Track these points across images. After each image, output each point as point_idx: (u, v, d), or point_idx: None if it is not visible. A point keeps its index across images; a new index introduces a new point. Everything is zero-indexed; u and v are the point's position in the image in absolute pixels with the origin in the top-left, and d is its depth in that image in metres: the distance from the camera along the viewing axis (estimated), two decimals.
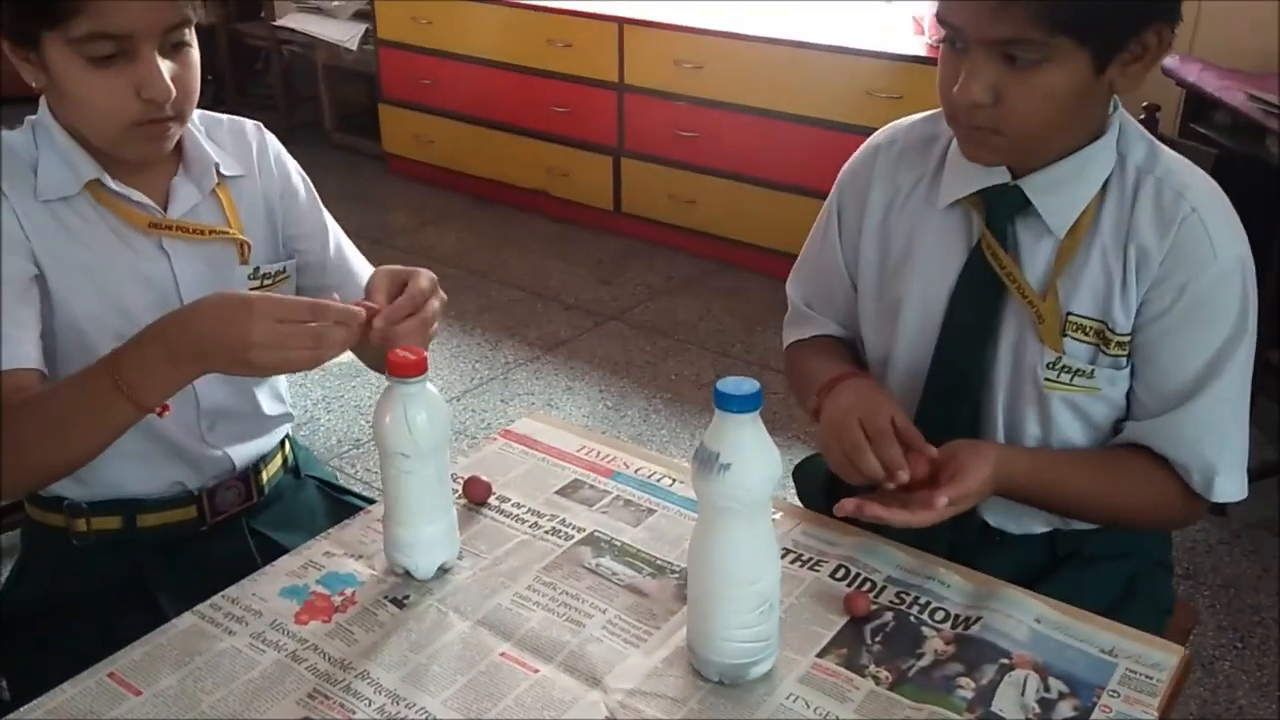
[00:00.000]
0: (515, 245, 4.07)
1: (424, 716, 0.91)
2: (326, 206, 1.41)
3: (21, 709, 0.92)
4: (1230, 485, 1.15)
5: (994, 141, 1.10)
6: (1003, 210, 1.17)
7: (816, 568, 1.10)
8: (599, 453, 1.29)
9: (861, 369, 1.29)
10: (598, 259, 3.96)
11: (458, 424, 2.87)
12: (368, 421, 2.86)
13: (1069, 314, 1.14)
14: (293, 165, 1.37)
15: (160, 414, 1.06)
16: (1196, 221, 1.10)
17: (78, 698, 0.93)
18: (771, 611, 0.95)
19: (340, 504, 1.40)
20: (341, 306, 1.02)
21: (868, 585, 1.08)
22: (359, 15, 4.61)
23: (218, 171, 1.26)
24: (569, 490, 1.23)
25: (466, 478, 1.21)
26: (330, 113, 4.93)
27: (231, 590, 1.06)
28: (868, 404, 1.12)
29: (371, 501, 1.31)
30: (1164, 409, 1.14)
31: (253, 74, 5.38)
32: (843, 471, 1.11)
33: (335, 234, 1.40)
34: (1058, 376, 1.15)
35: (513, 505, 1.20)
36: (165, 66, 1.11)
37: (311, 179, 1.39)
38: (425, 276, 1.09)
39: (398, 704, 0.93)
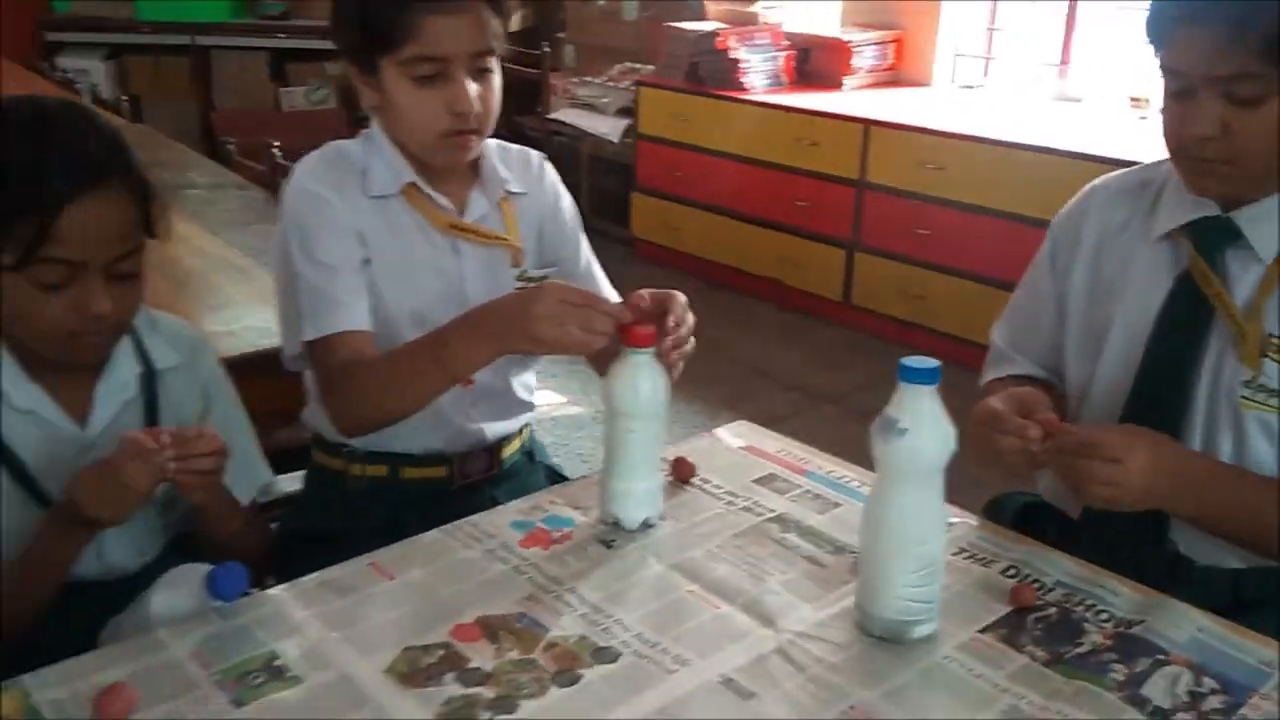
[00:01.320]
0: (744, 327, 4.25)
1: (619, 625, 1.06)
2: None
3: (300, 579, 1.13)
4: None
5: (1221, 171, 1.20)
6: (1212, 240, 1.25)
7: (988, 565, 1.18)
8: (795, 454, 1.43)
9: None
10: (823, 346, 4.08)
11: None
12: (590, 466, 3.07)
13: (1271, 335, 1.20)
14: (564, 194, 1.61)
15: (466, 386, 1.32)
16: None
17: (344, 577, 1.14)
18: (935, 576, 1.04)
19: None
20: (611, 304, 1.22)
21: (1036, 584, 1.15)
22: (623, 111, 5.01)
23: (505, 189, 1.50)
24: (765, 480, 1.36)
25: (675, 458, 1.36)
26: (588, 199, 5.34)
27: (471, 518, 1.25)
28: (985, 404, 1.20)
29: None
30: None
31: None
32: (1002, 465, 1.19)
33: (587, 257, 1.62)
34: (1254, 395, 1.21)
35: (713, 486, 1.34)
36: (471, 88, 1.36)
37: None
38: (682, 301, 1.25)
39: (598, 614, 1.08)
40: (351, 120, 1.52)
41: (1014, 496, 1.51)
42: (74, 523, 1.14)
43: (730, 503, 1.30)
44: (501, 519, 1.25)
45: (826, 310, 4.27)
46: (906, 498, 1.03)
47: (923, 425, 1.00)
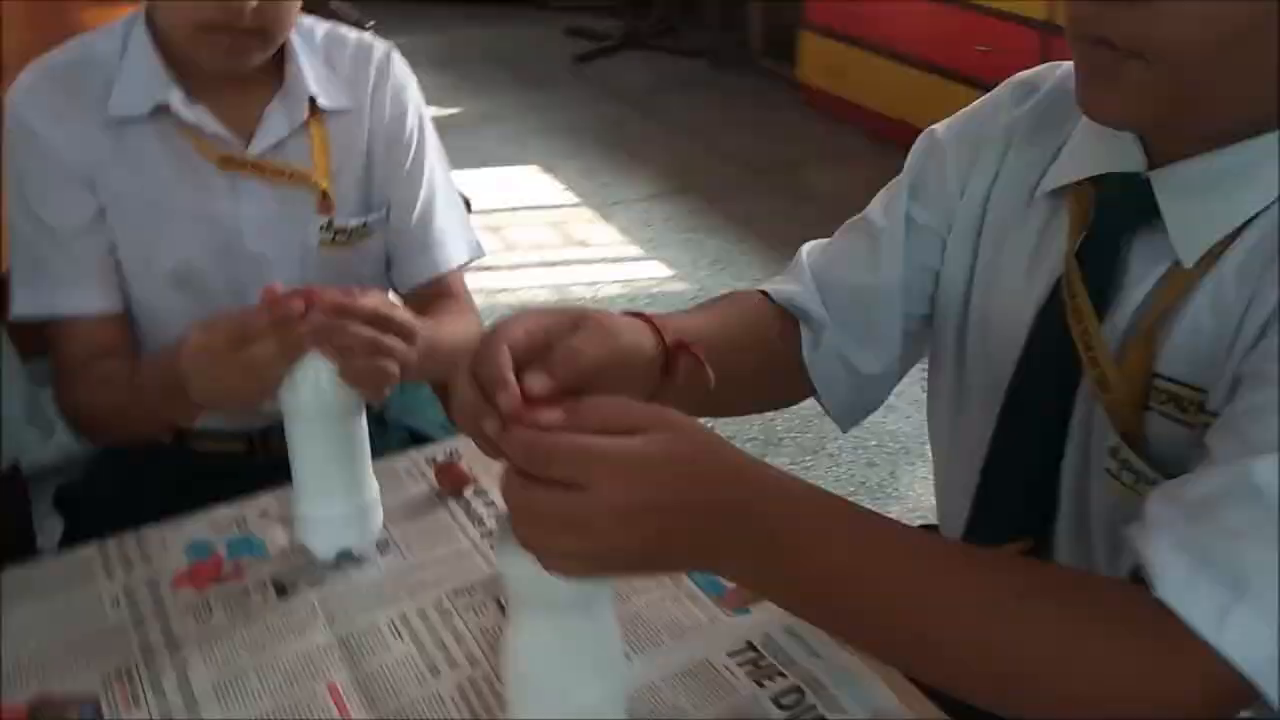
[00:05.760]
0: None
1: None
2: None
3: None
4: (1255, 631, 0.56)
5: (1129, 74, 0.68)
6: (1118, 214, 0.77)
7: (764, 684, 0.81)
8: None
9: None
10: None
11: None
12: None
13: (1159, 376, 0.74)
14: (413, 105, 1.22)
15: None
16: None
17: None
18: None
19: None
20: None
21: None
22: None
23: (313, 104, 1.14)
24: None
25: (442, 462, 1.04)
26: (758, 34, 4.80)
27: (143, 530, 0.98)
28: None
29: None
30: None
31: None
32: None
33: (429, 201, 1.23)
34: (1119, 472, 0.75)
35: (486, 503, 1.01)
36: None
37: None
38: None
39: (189, 710, 0.80)
40: None
41: None
42: None
43: (493, 530, 0.98)
44: (180, 535, 0.98)
45: None
46: (547, 632, 0.67)
47: None
